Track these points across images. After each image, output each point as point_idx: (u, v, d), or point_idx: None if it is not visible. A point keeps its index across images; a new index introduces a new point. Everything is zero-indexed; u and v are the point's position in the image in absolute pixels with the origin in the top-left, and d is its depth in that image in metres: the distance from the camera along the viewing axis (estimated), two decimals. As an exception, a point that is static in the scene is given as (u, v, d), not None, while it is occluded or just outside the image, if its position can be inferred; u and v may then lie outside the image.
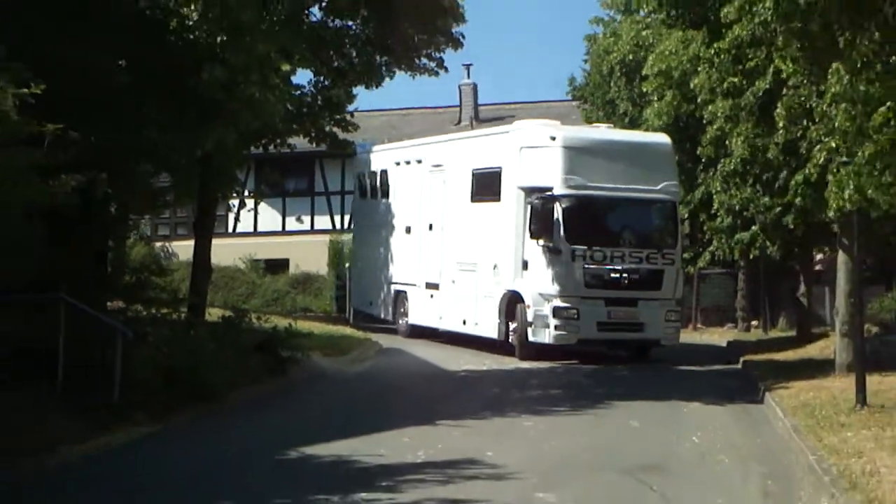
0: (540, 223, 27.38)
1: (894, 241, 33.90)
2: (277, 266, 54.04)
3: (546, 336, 27.60)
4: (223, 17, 22.21)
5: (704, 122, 32.49)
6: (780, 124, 20.51)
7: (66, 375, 18.98)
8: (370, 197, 37.58)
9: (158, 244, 47.02)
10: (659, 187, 28.17)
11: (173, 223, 48.42)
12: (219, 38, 22.22)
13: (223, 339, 25.06)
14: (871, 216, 20.53)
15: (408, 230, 34.13)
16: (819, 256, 37.27)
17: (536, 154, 28.25)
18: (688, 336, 42.85)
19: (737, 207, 33.16)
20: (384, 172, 36.35)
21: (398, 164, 35.16)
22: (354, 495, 13.89)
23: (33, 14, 20.21)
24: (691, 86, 31.34)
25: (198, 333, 24.28)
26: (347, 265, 51.30)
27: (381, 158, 37.26)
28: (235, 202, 47.87)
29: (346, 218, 55.33)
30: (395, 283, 35.57)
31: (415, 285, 33.95)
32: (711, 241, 38.20)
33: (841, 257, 26.08)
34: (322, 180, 55.23)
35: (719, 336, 40.79)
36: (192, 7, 22.37)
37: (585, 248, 27.40)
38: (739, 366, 30.61)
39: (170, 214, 44.15)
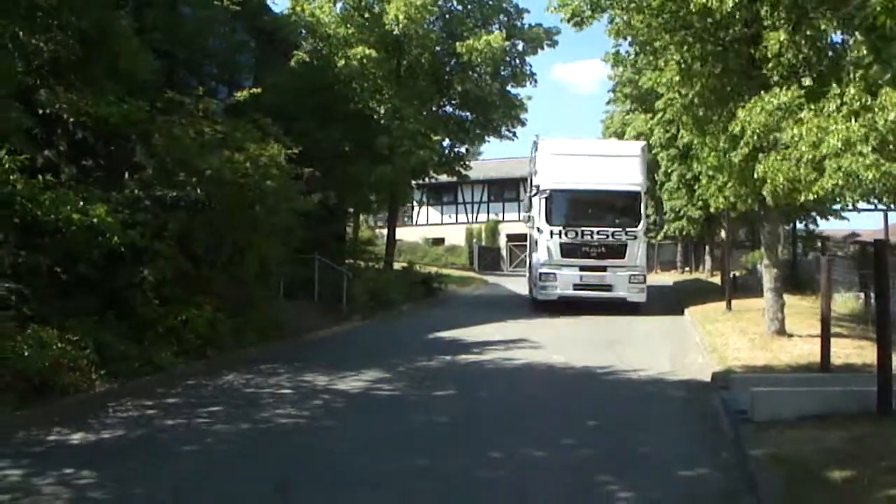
0: (532, 211, 22.89)
1: (756, 224, 33.57)
2: (438, 241, 54.46)
3: (537, 293, 22.52)
4: (395, 112, 22.83)
5: (658, 162, 32.51)
6: (694, 164, 20.52)
7: (319, 295, 19.75)
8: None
9: (376, 231, 48.00)
10: (624, 182, 21.68)
11: (384, 219, 49.00)
12: (394, 122, 22.86)
13: (402, 277, 25.70)
14: (730, 212, 20.79)
15: None
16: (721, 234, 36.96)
17: (538, 160, 22.96)
18: (652, 276, 42.71)
19: (676, 208, 33.12)
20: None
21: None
22: (458, 356, 14.40)
23: (299, 109, 20.93)
24: (650, 142, 31.34)
25: (388, 274, 24.85)
26: (474, 240, 52.03)
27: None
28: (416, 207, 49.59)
29: (474, 216, 55.95)
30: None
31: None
32: (663, 225, 38.07)
33: (724, 234, 26.04)
34: (462, 196, 55.65)
35: (668, 276, 40.33)
36: (382, 108, 23.10)
37: (561, 227, 21.61)
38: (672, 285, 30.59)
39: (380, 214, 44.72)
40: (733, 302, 20.27)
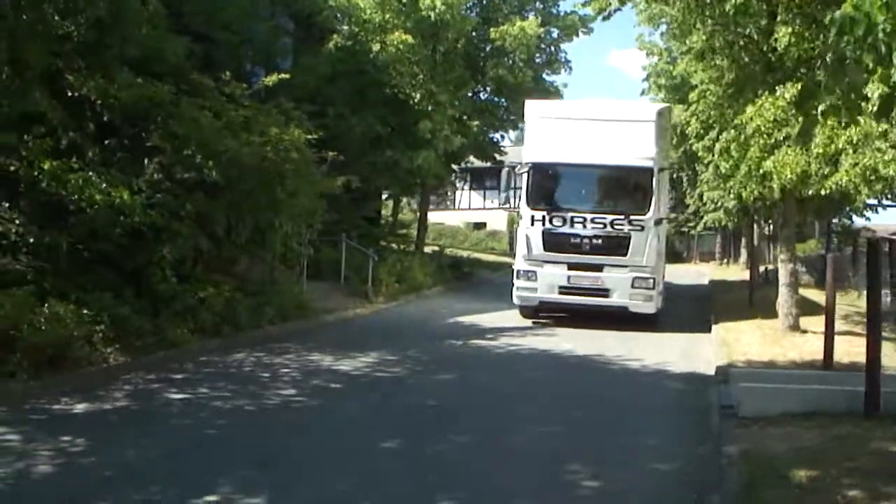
0: (513, 191, 16.80)
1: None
2: (479, 225, 54.52)
3: (514, 297, 17.45)
4: (431, 98, 22.97)
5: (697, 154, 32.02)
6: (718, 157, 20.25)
7: (345, 277, 20.00)
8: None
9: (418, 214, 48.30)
10: (631, 155, 16.44)
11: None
12: (429, 108, 23.01)
13: (432, 261, 25.84)
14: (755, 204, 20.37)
15: None
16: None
17: (526, 127, 18.29)
18: (692, 267, 42.31)
19: (713, 199, 32.68)
20: None
21: None
22: (471, 341, 14.55)
23: (333, 93, 21.21)
24: (687, 132, 30.80)
25: (417, 258, 24.88)
26: (515, 226, 51.99)
27: None
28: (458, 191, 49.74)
29: (516, 201, 55.64)
30: None
31: None
32: (703, 215, 37.64)
33: (756, 228, 25.68)
34: (505, 181, 55.53)
35: (707, 267, 40.00)
36: (417, 93, 23.25)
37: (545, 212, 16.68)
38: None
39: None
40: (759, 296, 20.00)
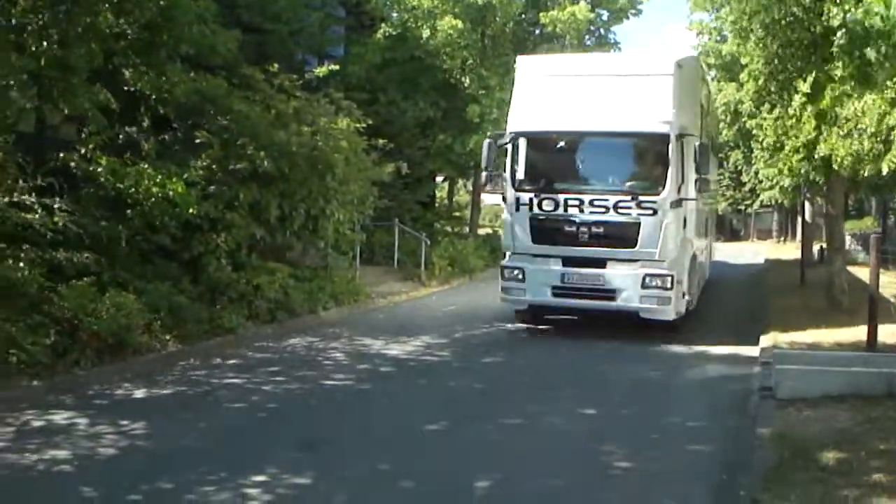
0: (494, 168, 14.19)
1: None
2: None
3: (500, 298, 14.08)
4: (481, 82, 23.14)
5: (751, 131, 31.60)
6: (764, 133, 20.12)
7: (398, 261, 20.35)
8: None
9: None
10: (642, 119, 12.77)
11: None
12: (480, 91, 23.19)
13: (485, 244, 25.98)
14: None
15: None
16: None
17: (516, 89, 14.04)
18: (750, 245, 41.80)
19: (769, 177, 32.26)
20: None
21: None
22: (517, 323, 14.41)
23: (384, 80, 21.50)
24: (740, 110, 30.44)
25: (470, 241, 24.95)
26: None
27: None
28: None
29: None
30: None
31: None
32: (759, 193, 37.16)
33: (809, 206, 25.27)
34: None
35: (764, 245, 39.45)
36: (468, 78, 23.44)
37: (533, 194, 13.16)
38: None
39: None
40: (812, 275, 19.79)
